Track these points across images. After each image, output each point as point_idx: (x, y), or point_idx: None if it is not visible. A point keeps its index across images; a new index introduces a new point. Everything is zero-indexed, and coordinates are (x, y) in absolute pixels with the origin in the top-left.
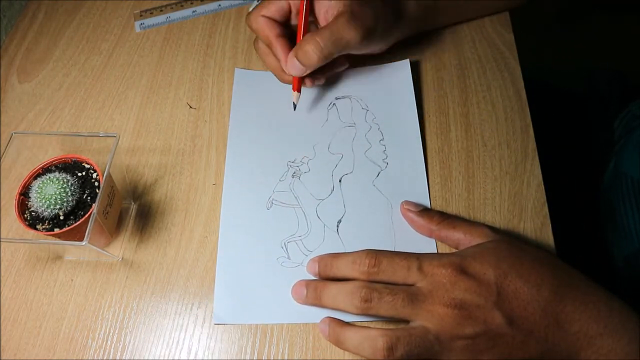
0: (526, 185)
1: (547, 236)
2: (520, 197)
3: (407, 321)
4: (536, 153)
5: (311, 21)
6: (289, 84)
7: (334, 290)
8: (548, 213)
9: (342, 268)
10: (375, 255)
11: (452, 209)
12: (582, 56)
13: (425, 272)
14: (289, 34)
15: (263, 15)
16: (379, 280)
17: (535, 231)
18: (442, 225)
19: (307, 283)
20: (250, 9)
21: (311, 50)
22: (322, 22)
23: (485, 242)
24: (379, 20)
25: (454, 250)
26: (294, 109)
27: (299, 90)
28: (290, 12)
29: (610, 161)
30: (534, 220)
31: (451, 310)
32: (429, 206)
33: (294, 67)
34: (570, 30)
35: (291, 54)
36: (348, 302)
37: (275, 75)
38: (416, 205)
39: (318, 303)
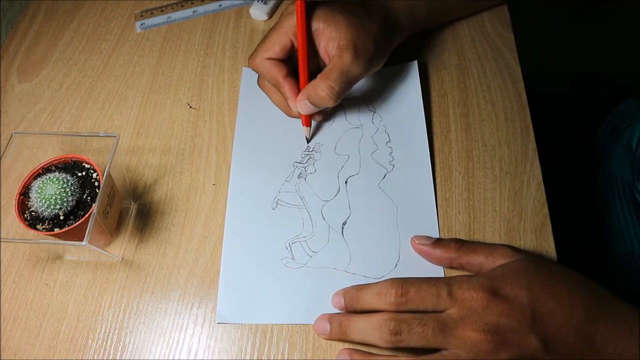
0: (526, 185)
1: (547, 236)
2: (520, 197)
3: (438, 349)
4: (536, 153)
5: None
6: (296, 118)
7: (360, 324)
8: (548, 213)
9: (368, 300)
10: (402, 284)
11: (452, 209)
12: (568, 59)
13: (455, 297)
14: (292, 70)
15: (268, 58)
16: (407, 310)
17: (535, 231)
18: (461, 251)
19: (330, 317)
20: (252, 9)
21: (327, 96)
22: (322, 53)
23: (511, 261)
24: (379, 47)
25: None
26: (307, 141)
27: (309, 125)
28: (293, 47)
29: (601, 162)
30: (534, 220)
31: (484, 336)
32: (434, 209)
33: (306, 107)
34: (555, 32)
35: (301, 96)
36: (376, 335)
37: (281, 110)
38: (427, 237)
39: (344, 338)
